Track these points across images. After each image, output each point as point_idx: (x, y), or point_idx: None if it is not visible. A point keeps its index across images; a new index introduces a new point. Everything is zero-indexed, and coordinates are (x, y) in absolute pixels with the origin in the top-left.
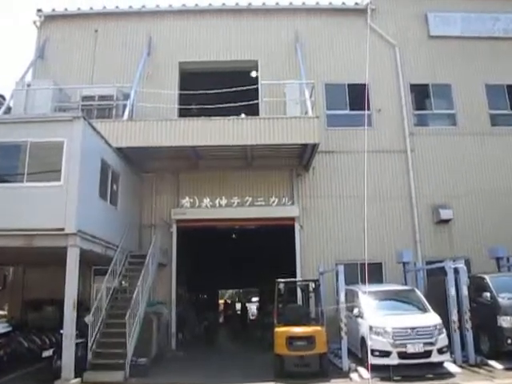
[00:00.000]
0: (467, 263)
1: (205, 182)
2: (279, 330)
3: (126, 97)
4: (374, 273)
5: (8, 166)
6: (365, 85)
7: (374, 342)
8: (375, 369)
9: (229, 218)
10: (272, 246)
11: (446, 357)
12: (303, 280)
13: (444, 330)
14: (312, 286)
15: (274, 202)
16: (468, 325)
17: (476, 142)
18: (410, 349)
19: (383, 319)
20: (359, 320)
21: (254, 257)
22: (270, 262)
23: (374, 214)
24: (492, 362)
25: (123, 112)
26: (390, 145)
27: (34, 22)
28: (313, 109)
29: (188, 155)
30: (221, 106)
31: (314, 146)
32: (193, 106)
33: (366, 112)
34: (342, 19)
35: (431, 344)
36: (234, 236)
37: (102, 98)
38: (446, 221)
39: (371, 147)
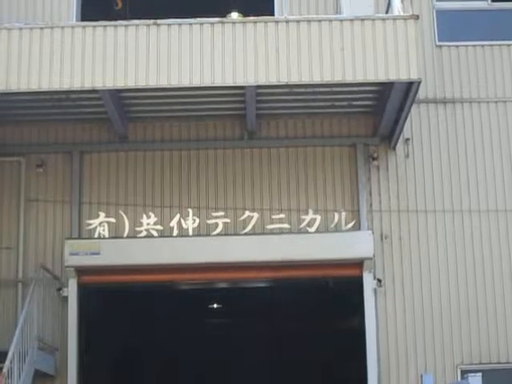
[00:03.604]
0: None
1: (144, 176)
2: None
3: None
4: None
5: None
6: None
7: None
8: None
9: (204, 264)
10: (306, 327)
11: None
12: None
13: None
14: None
15: (312, 222)
16: None
17: None
18: None
19: None
20: None
21: (263, 355)
22: (302, 367)
23: None
24: None
25: None
26: None
27: None
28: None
29: (103, 114)
30: None
31: (410, 89)
32: None
33: None
34: None
35: None
36: (215, 306)
37: None
38: None
39: None
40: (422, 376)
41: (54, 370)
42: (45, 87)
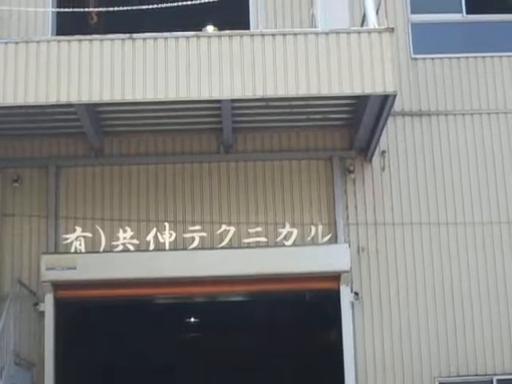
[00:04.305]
0: None
1: (121, 191)
2: None
3: None
4: None
5: None
6: None
7: None
8: None
9: (181, 278)
10: (284, 340)
11: None
12: None
13: None
14: None
15: (289, 235)
16: None
17: None
18: None
19: None
20: None
21: (242, 367)
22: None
23: None
24: None
25: None
26: None
27: None
28: (378, 12)
29: (79, 128)
30: (156, 6)
31: (385, 102)
32: (90, 9)
33: None
34: None
35: None
36: (192, 320)
37: None
38: None
39: None
40: None
41: None
42: (20, 102)
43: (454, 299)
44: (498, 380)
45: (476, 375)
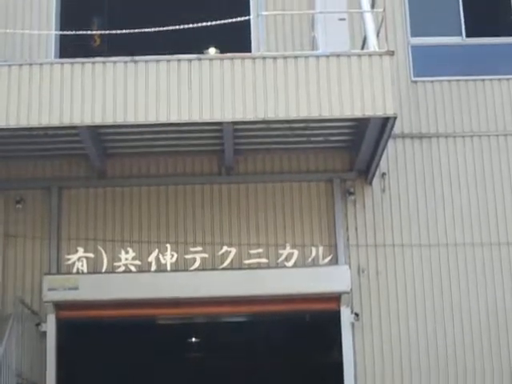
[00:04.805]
0: None
1: (123, 212)
2: None
3: None
4: None
5: None
6: None
7: None
8: None
9: (182, 299)
10: (283, 361)
11: None
12: None
13: None
14: None
15: (290, 256)
16: None
17: None
18: None
19: None
20: None
21: None
22: None
23: None
24: None
25: None
26: None
27: None
28: (379, 35)
29: (81, 150)
30: (158, 29)
31: (386, 124)
32: (93, 32)
33: None
34: None
35: None
36: (194, 340)
37: None
38: None
39: None
40: None
41: None
42: (23, 124)
43: (454, 320)
44: None
45: None
